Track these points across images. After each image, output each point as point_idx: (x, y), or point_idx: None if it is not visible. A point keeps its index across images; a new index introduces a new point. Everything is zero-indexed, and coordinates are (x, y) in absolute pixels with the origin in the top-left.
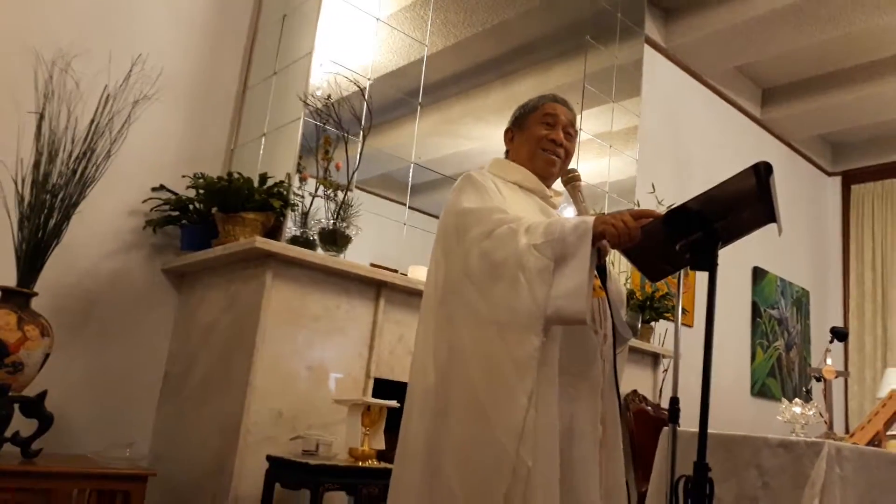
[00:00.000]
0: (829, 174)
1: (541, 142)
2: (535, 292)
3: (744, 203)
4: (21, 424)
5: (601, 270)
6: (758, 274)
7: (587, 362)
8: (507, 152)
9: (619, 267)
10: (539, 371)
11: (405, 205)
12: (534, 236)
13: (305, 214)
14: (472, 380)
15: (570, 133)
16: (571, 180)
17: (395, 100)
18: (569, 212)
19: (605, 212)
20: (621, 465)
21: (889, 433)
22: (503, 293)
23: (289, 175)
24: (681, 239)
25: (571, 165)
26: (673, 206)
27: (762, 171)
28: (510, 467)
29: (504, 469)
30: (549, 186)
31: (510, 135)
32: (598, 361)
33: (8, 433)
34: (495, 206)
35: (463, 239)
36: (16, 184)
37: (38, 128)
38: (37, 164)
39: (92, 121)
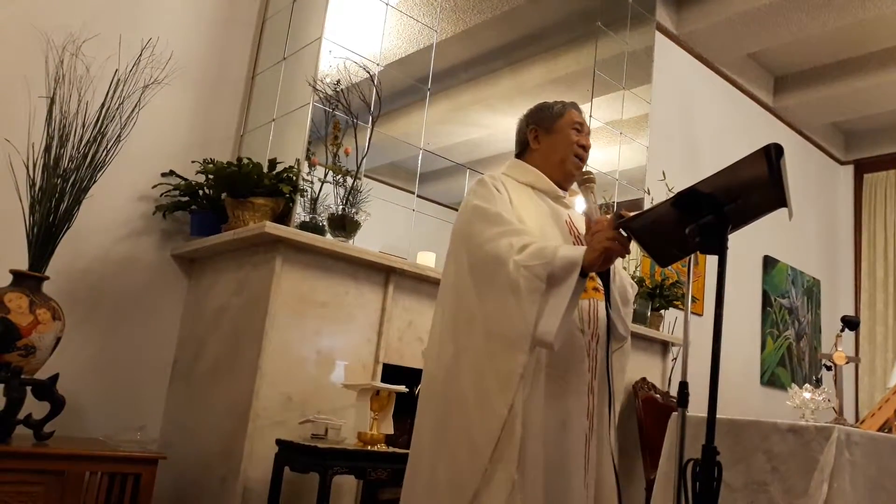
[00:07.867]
0: (842, 163)
1: (573, 147)
2: (525, 312)
3: (754, 185)
4: (33, 407)
5: (604, 274)
6: (768, 263)
7: (574, 360)
8: (524, 149)
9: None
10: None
11: (414, 193)
12: (526, 256)
13: (315, 200)
14: (463, 384)
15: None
16: (587, 181)
17: (404, 87)
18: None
19: (615, 201)
20: (609, 457)
21: None
22: (495, 304)
23: (298, 161)
24: (690, 222)
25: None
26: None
27: (773, 153)
28: (481, 469)
29: (476, 469)
30: (569, 185)
31: (535, 133)
32: (584, 360)
33: (20, 416)
34: (499, 210)
35: (469, 240)
36: (27, 168)
37: (49, 112)
38: (48, 149)
39: (102, 105)
